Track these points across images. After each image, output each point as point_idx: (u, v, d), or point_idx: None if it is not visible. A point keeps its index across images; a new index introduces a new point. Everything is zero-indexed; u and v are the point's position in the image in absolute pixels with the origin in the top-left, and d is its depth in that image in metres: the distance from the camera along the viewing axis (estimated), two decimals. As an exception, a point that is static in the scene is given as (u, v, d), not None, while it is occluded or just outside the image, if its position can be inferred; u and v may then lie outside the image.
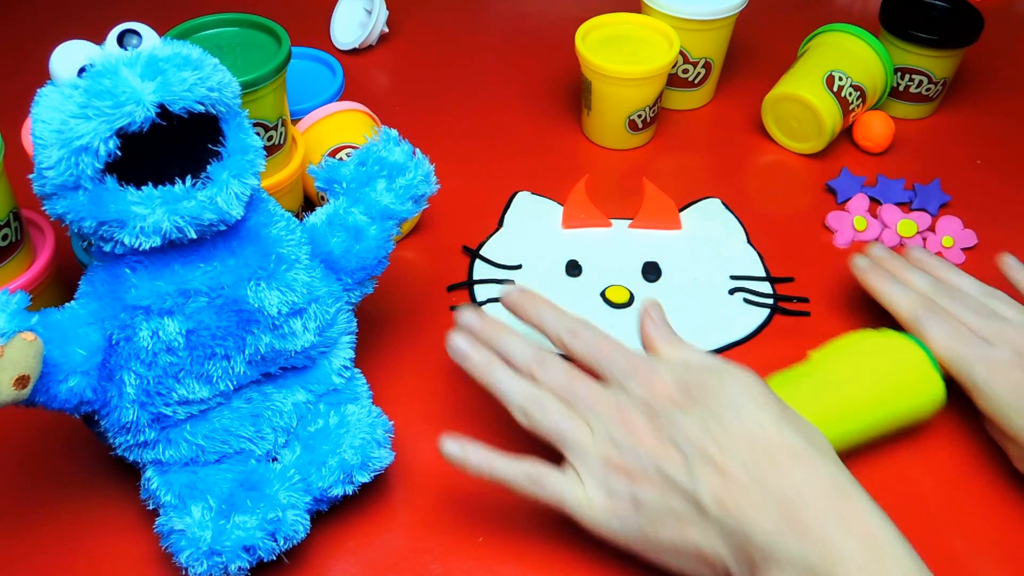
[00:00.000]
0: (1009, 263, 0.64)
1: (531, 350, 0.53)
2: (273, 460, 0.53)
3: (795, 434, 0.47)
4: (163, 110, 0.43)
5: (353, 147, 0.69)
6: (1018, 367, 0.55)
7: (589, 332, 0.53)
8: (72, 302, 0.49)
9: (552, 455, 0.51)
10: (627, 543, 0.49)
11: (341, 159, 0.57)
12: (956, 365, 0.57)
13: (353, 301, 0.56)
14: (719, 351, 0.65)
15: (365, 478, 0.52)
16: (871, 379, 0.57)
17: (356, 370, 0.57)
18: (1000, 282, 0.71)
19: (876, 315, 0.68)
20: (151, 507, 0.51)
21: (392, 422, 0.54)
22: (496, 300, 0.68)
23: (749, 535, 0.45)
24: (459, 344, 0.54)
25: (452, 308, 0.67)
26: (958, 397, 0.58)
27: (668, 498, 0.47)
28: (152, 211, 0.45)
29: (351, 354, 0.56)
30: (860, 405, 0.56)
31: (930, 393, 0.57)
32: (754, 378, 0.50)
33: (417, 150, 0.56)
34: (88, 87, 0.43)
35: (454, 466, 0.52)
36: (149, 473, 0.51)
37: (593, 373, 0.52)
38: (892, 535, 0.44)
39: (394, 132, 0.55)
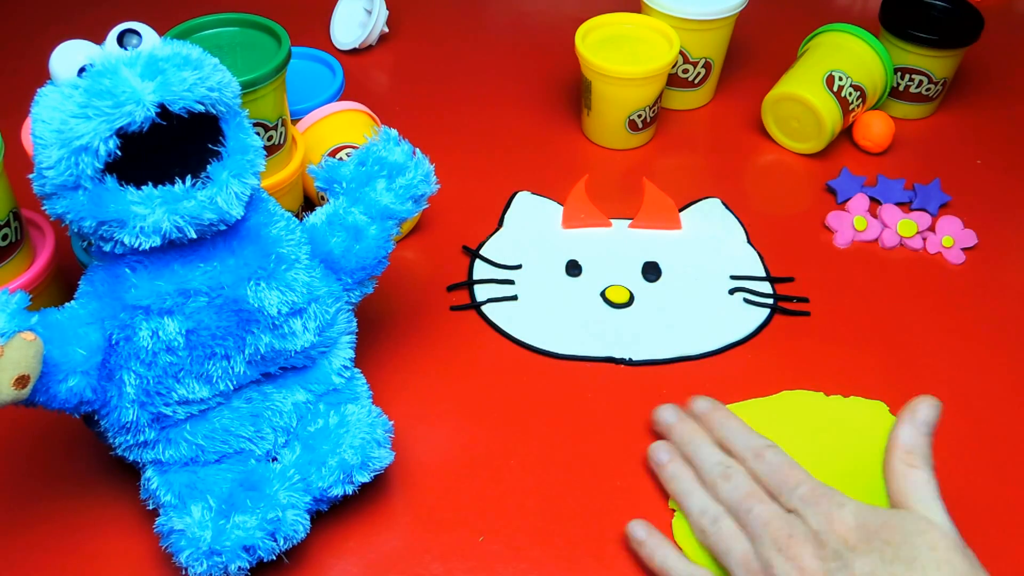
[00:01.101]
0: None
1: (719, 461, 0.54)
2: (273, 460, 0.53)
3: None
4: (163, 110, 0.43)
5: (353, 147, 0.69)
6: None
7: (776, 455, 0.52)
8: (72, 302, 0.48)
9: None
10: None
11: (341, 159, 0.57)
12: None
13: (353, 301, 0.56)
14: (719, 351, 0.65)
15: (365, 478, 0.52)
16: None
17: (356, 370, 0.57)
18: (999, 282, 0.71)
19: (877, 314, 0.68)
20: (151, 507, 0.51)
21: (392, 422, 0.54)
22: (495, 300, 0.68)
23: None
24: (658, 455, 0.57)
25: (452, 308, 0.67)
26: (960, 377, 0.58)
27: None
28: (152, 211, 0.45)
29: (351, 354, 0.56)
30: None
31: None
32: (950, 538, 0.45)
33: (417, 150, 0.56)
34: (88, 87, 0.43)
35: (631, 547, 0.53)
36: (149, 473, 0.51)
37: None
38: None
39: (394, 132, 0.55)
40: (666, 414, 0.58)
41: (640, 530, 0.53)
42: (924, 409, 0.49)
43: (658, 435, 0.59)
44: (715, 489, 0.53)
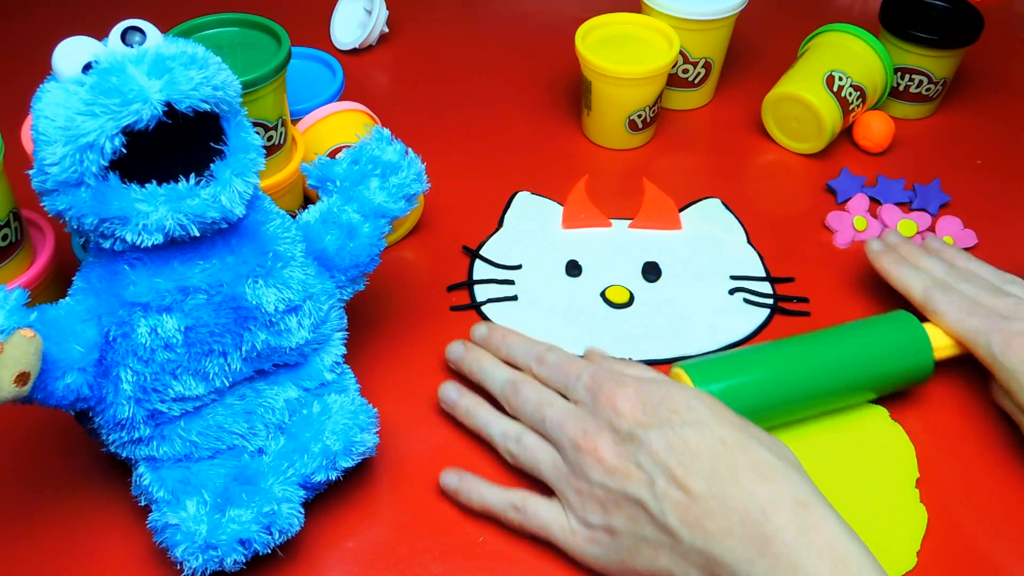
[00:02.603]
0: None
1: (507, 379, 0.55)
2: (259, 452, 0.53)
3: (759, 448, 0.46)
4: (169, 108, 0.43)
5: (353, 147, 0.69)
6: None
7: (554, 355, 0.54)
8: (67, 298, 0.48)
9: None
10: (608, 572, 0.49)
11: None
12: (971, 337, 0.57)
13: (345, 298, 0.56)
14: (719, 351, 0.65)
15: (348, 463, 0.52)
16: (861, 338, 0.58)
17: (346, 366, 0.57)
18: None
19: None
20: (143, 503, 0.51)
21: (376, 409, 0.54)
22: (495, 300, 0.68)
23: (716, 557, 0.44)
24: (448, 394, 0.58)
25: (452, 308, 0.67)
26: (964, 370, 0.59)
27: (639, 526, 0.47)
28: (155, 208, 0.45)
29: (343, 350, 0.56)
30: (850, 359, 0.58)
31: (920, 353, 0.58)
32: (714, 398, 0.50)
33: (409, 149, 0.56)
34: (94, 84, 0.42)
35: (449, 497, 0.54)
36: (141, 469, 0.51)
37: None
38: (859, 554, 0.42)
39: (387, 131, 0.56)
40: (450, 349, 0.60)
41: (451, 477, 0.54)
42: None
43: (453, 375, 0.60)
44: (509, 407, 0.54)
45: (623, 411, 0.49)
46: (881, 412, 0.60)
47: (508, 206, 0.76)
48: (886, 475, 0.57)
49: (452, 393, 0.58)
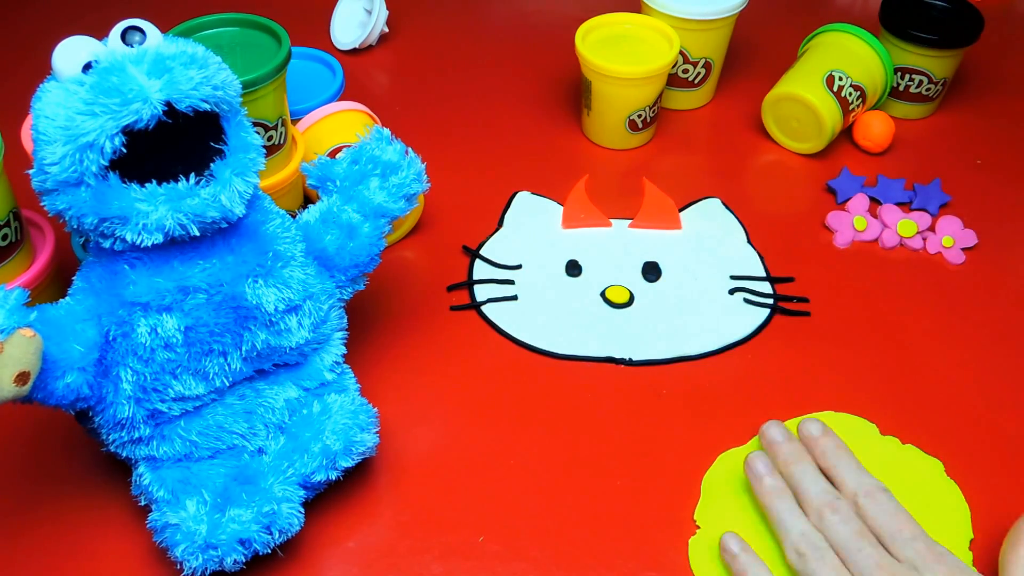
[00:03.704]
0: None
1: (826, 490, 0.52)
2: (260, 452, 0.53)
3: None
4: (169, 108, 0.43)
5: (353, 147, 0.69)
6: None
7: (888, 500, 0.51)
8: (67, 298, 0.48)
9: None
10: None
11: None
12: None
13: (345, 298, 0.56)
14: (719, 351, 0.65)
15: (349, 463, 0.52)
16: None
17: (346, 366, 0.57)
18: (999, 282, 0.71)
19: (877, 314, 0.68)
20: (142, 503, 0.51)
21: (376, 409, 0.54)
22: (495, 300, 0.68)
23: None
24: (757, 466, 0.55)
25: (452, 308, 0.67)
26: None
27: None
28: (155, 208, 0.45)
29: (343, 350, 0.56)
30: None
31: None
32: None
33: (409, 149, 0.56)
34: (95, 84, 0.42)
35: (725, 559, 0.52)
36: (141, 469, 0.51)
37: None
38: None
39: (386, 131, 0.56)
40: (773, 431, 0.56)
41: (734, 544, 0.52)
42: None
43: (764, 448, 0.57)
44: (820, 518, 0.51)
45: None
46: (937, 465, 0.58)
47: (508, 206, 0.76)
48: (938, 533, 0.53)
49: (762, 467, 0.55)
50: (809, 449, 0.55)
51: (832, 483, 0.53)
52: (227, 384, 0.51)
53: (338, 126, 0.71)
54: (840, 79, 0.78)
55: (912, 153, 0.83)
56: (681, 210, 0.75)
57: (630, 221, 0.74)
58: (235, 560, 0.47)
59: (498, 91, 0.88)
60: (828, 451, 0.55)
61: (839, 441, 0.55)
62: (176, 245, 0.47)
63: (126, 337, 0.47)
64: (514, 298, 0.68)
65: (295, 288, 0.51)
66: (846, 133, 0.83)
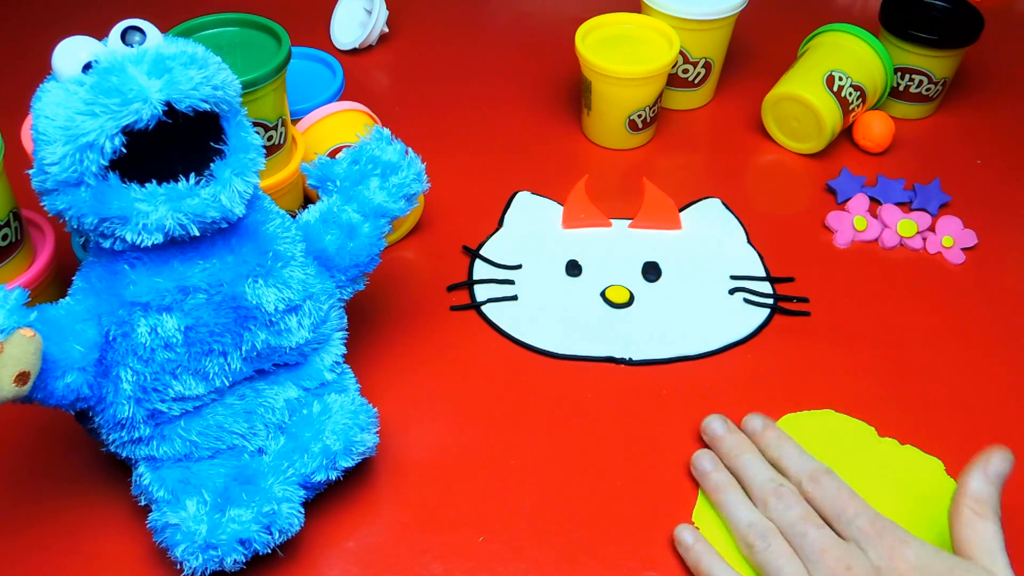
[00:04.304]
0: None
1: (770, 478, 0.53)
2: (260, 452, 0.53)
3: None
4: (169, 108, 0.43)
5: (353, 147, 0.69)
6: None
7: (833, 482, 0.52)
8: (67, 298, 0.48)
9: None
10: None
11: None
12: None
13: (345, 297, 0.56)
14: (719, 351, 0.65)
15: (349, 463, 0.52)
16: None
17: (346, 366, 0.57)
18: (999, 282, 0.71)
19: (877, 314, 0.68)
20: (143, 503, 0.51)
21: (376, 409, 0.54)
22: (495, 300, 0.68)
23: None
24: (702, 463, 0.56)
25: (452, 308, 0.67)
26: None
27: None
28: (155, 208, 0.45)
29: (343, 350, 0.56)
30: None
31: None
32: None
33: (409, 149, 0.56)
34: (95, 84, 0.43)
35: (679, 550, 0.53)
36: (141, 469, 0.51)
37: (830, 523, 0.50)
38: None
39: (386, 131, 0.56)
40: (715, 425, 0.57)
41: (688, 535, 0.53)
42: (997, 461, 0.49)
43: (705, 444, 0.58)
44: (765, 506, 0.52)
45: (898, 567, 0.46)
46: (937, 465, 0.58)
47: (508, 206, 0.76)
48: (938, 532, 0.53)
49: (707, 463, 0.56)
50: (755, 441, 0.56)
51: (779, 472, 0.54)
52: (227, 384, 0.51)
53: (338, 126, 0.71)
54: (840, 79, 0.78)
55: (912, 153, 0.83)
56: (681, 210, 0.75)
57: (630, 221, 0.74)
58: (235, 560, 0.47)
59: (498, 91, 0.88)
60: (771, 442, 0.56)
61: (781, 432, 0.56)
62: (176, 245, 0.47)
63: (126, 337, 0.47)
64: (514, 298, 0.68)
65: (295, 288, 0.51)
66: (846, 133, 0.83)
